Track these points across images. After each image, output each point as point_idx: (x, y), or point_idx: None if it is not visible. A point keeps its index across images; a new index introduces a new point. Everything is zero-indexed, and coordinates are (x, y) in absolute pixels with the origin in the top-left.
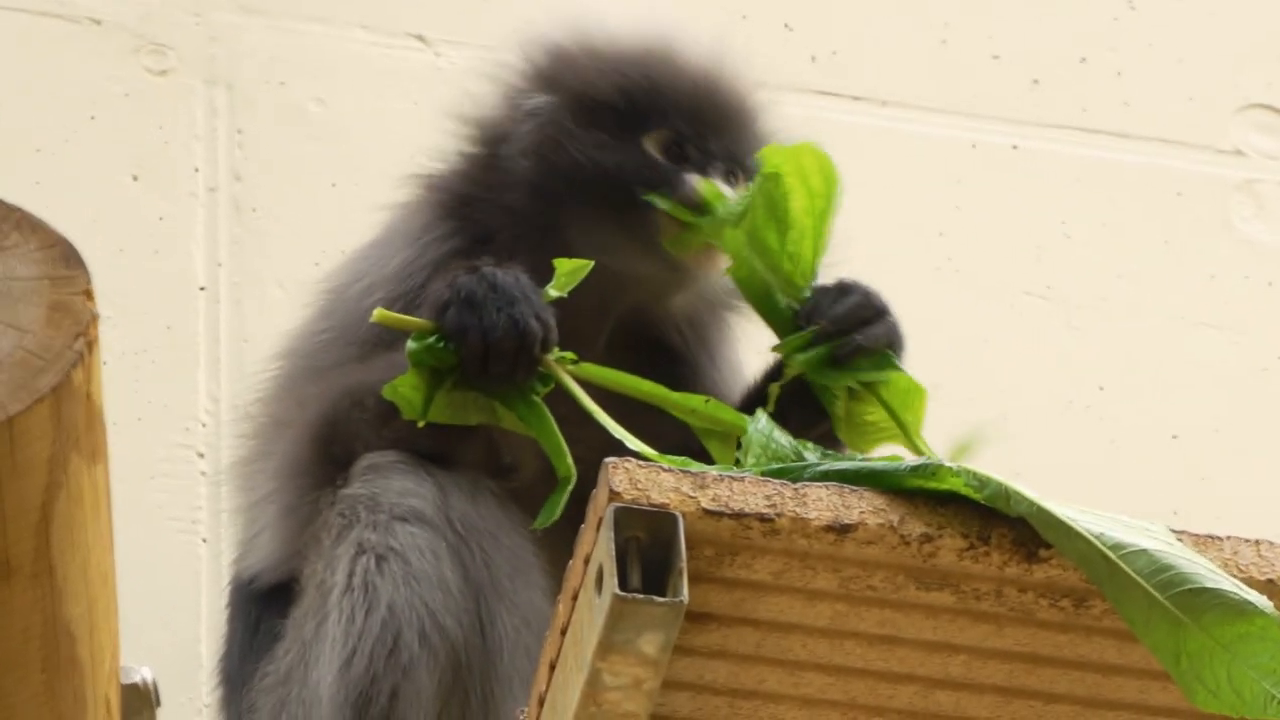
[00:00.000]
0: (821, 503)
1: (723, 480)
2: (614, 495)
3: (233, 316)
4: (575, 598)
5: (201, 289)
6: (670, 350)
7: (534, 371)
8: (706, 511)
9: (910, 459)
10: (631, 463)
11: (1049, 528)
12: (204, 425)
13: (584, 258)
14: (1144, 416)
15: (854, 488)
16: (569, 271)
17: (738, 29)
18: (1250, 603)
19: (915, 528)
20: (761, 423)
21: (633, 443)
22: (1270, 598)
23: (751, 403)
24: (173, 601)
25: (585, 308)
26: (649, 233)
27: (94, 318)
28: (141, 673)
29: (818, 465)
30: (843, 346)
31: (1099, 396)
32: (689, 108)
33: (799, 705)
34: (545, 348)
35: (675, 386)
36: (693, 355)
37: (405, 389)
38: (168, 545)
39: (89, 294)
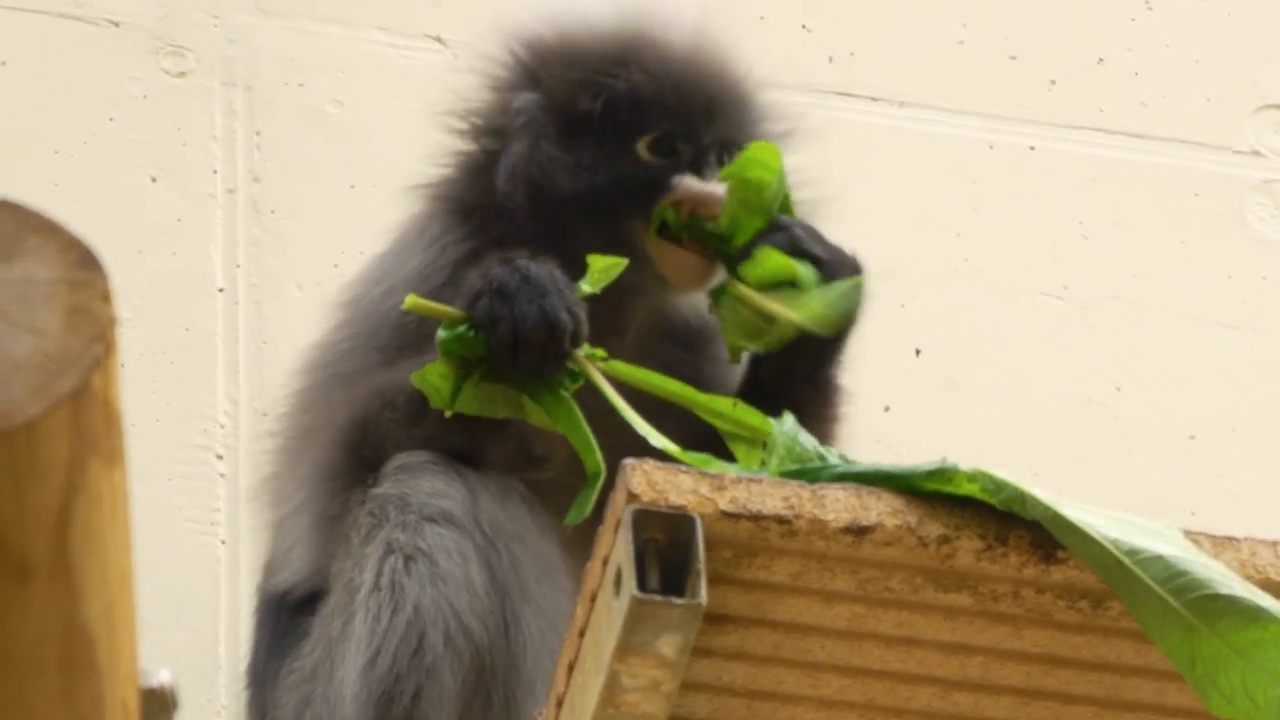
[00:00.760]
0: (839, 504)
1: (741, 482)
2: (632, 497)
3: (251, 318)
4: (593, 599)
5: (220, 290)
6: (685, 349)
7: (562, 365)
8: (725, 513)
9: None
10: (649, 464)
11: (1064, 532)
12: (222, 426)
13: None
14: (1161, 416)
15: (872, 489)
16: (602, 268)
17: (755, 30)
18: (1264, 608)
19: (933, 529)
20: (787, 425)
21: (659, 440)
22: None
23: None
24: (191, 603)
25: (614, 305)
26: (637, 249)
27: (112, 321)
28: (160, 675)
29: (835, 467)
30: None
31: (1115, 396)
32: (673, 105)
33: (817, 706)
34: (575, 341)
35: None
36: (697, 356)
37: (434, 377)
38: (186, 547)
39: (107, 297)
